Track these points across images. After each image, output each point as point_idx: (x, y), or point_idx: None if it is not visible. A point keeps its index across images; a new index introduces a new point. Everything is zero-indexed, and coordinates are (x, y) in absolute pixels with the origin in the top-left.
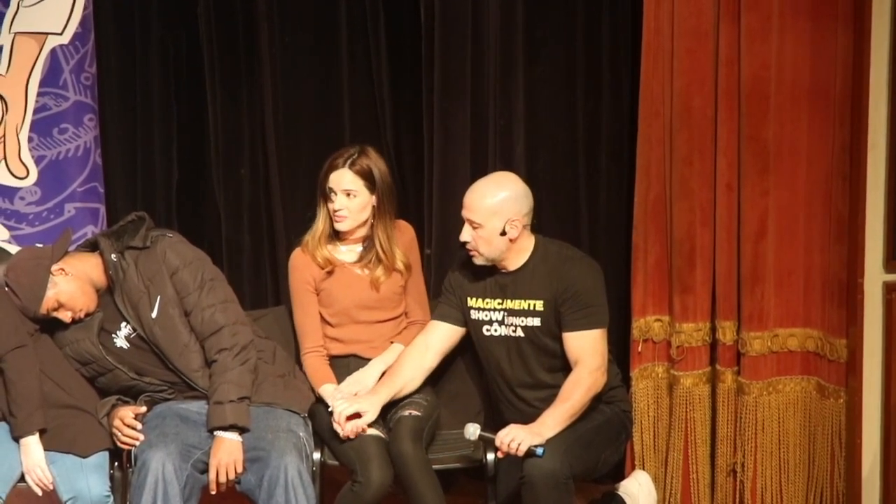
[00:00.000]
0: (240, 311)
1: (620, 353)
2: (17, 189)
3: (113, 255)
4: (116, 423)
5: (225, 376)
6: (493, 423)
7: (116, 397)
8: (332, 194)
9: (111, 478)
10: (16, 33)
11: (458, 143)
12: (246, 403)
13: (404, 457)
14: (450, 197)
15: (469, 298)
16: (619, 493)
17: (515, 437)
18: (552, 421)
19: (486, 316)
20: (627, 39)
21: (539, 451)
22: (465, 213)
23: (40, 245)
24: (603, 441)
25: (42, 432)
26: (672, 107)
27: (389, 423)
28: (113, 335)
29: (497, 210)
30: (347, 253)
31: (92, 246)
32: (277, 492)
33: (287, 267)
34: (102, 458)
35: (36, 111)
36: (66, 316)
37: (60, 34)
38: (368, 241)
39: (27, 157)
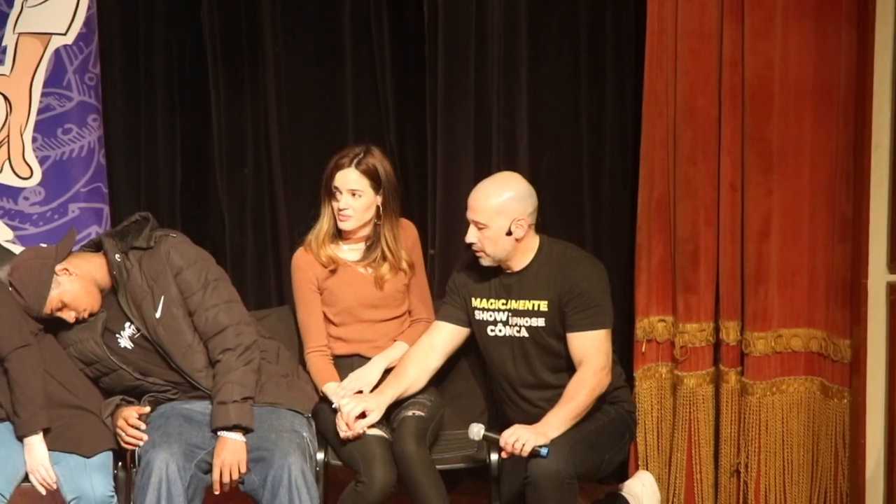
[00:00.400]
0: (243, 311)
1: (624, 354)
2: (22, 189)
3: (117, 256)
4: (120, 423)
5: (228, 376)
6: (498, 423)
7: (120, 397)
8: (338, 193)
9: (115, 478)
10: (20, 33)
11: (462, 143)
12: (249, 404)
13: (408, 457)
14: (454, 197)
15: (473, 299)
16: (623, 493)
17: (520, 438)
18: (556, 421)
19: (491, 316)
20: (631, 39)
21: (543, 451)
22: (471, 215)
23: (44, 245)
24: (607, 441)
25: (46, 432)
26: (676, 107)
27: (393, 424)
28: (117, 335)
29: (502, 210)
30: (350, 252)
31: (96, 246)
32: (281, 492)
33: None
34: (106, 458)
35: (40, 111)
36: (69, 316)
37: (64, 34)
38: (371, 240)
39: (31, 157)
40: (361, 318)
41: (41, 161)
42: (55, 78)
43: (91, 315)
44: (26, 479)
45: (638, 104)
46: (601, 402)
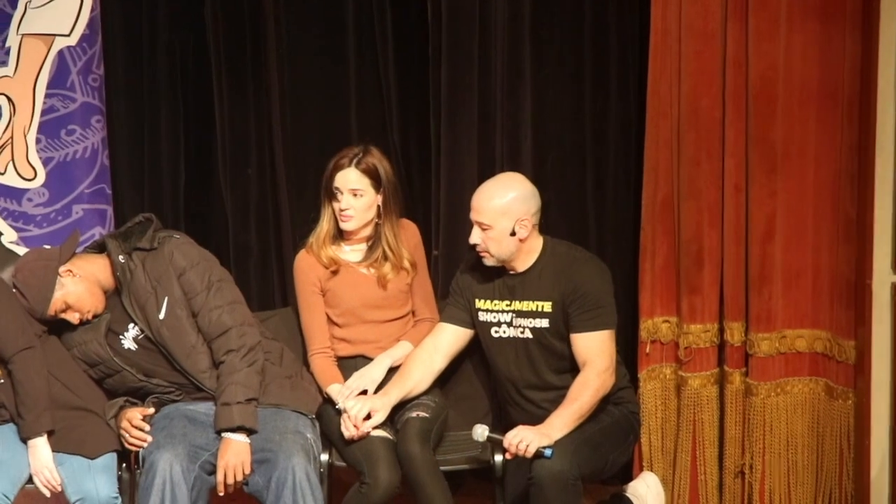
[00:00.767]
0: (247, 313)
1: (628, 355)
2: (25, 190)
3: (120, 257)
4: (124, 424)
5: (232, 378)
6: (502, 424)
7: (124, 399)
8: (339, 194)
9: (119, 479)
10: (23, 35)
11: (466, 143)
12: (253, 405)
13: (412, 458)
14: (457, 197)
15: (477, 300)
16: (628, 494)
17: (524, 439)
18: (560, 422)
19: (495, 318)
20: (635, 40)
21: (547, 452)
22: (474, 216)
23: (48, 247)
24: (611, 442)
25: (50, 434)
26: (680, 108)
27: (397, 425)
28: (120, 336)
29: (506, 210)
30: (352, 253)
31: (99, 247)
32: (285, 493)
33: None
34: (110, 459)
35: (43, 112)
36: (73, 317)
37: (68, 35)
38: (373, 241)
39: (35, 158)
40: (365, 319)
41: (45, 162)
42: (59, 79)
43: (95, 316)
44: (30, 480)
45: (642, 105)
46: (605, 402)
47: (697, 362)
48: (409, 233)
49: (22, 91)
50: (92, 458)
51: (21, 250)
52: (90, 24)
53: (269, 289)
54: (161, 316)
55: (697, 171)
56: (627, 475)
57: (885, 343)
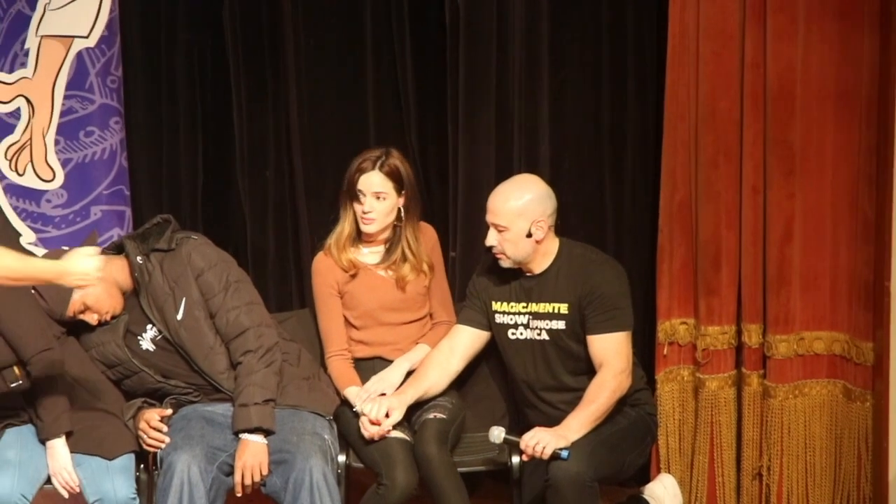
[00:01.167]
0: (265, 313)
1: (646, 356)
2: (44, 192)
3: (138, 258)
4: (142, 425)
5: (250, 378)
6: (518, 426)
7: (142, 400)
8: (361, 196)
9: (137, 480)
10: (42, 36)
11: (483, 145)
12: (271, 406)
13: (429, 459)
14: (475, 199)
15: (494, 302)
16: (645, 496)
17: (540, 440)
18: (577, 424)
19: (511, 320)
20: (653, 42)
21: (564, 453)
22: (490, 218)
23: (66, 248)
24: (628, 444)
25: (69, 435)
26: (697, 109)
27: (414, 426)
28: (139, 337)
29: (522, 212)
30: (370, 255)
31: (117, 248)
32: (303, 494)
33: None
34: (128, 460)
35: (62, 114)
36: (92, 318)
37: (87, 37)
38: (391, 243)
39: (53, 159)
40: (382, 322)
41: (63, 164)
42: (77, 80)
43: (113, 317)
44: (49, 481)
45: (659, 107)
46: (622, 404)
47: (715, 364)
48: (427, 235)
49: (41, 92)
50: (110, 459)
51: (39, 251)
52: (109, 26)
53: (287, 290)
54: (179, 317)
55: (715, 173)
56: (645, 477)
57: None
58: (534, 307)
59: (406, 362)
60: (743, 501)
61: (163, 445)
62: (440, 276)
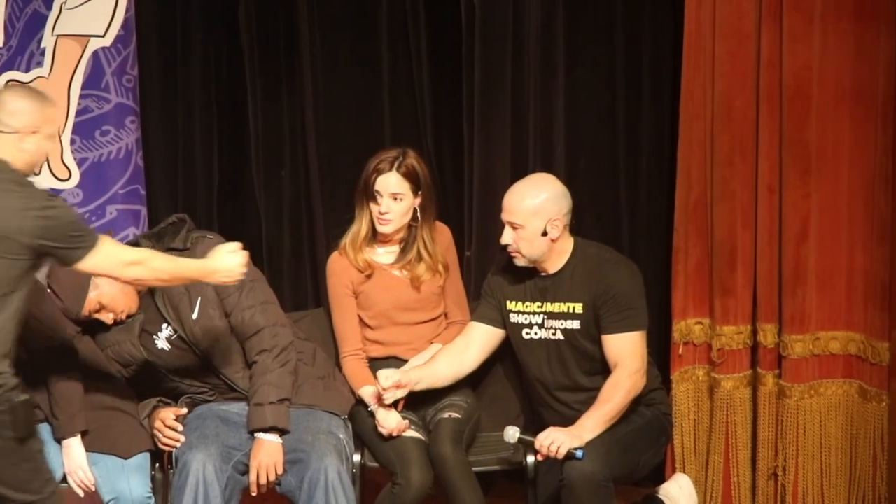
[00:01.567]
0: (280, 313)
1: (661, 356)
2: (60, 191)
3: None
4: (157, 424)
5: (265, 378)
6: (533, 425)
7: (157, 399)
8: (379, 197)
9: (152, 479)
10: (58, 36)
11: (499, 144)
12: (286, 405)
13: (444, 459)
14: (490, 198)
15: (508, 302)
16: (660, 496)
17: (555, 440)
18: (592, 423)
19: (526, 319)
20: (668, 41)
21: (579, 453)
22: (506, 216)
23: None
24: (643, 444)
25: (84, 434)
26: (713, 109)
27: (429, 426)
28: (154, 337)
29: (537, 210)
30: (385, 255)
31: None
32: (318, 493)
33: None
34: (144, 459)
35: (78, 113)
36: (107, 317)
37: (102, 36)
38: (406, 243)
39: (69, 159)
40: (397, 321)
41: (79, 163)
42: (93, 80)
43: (128, 317)
44: (64, 480)
45: (675, 106)
46: (636, 404)
47: (730, 364)
48: (442, 235)
49: (57, 92)
50: (125, 458)
51: None
52: (125, 25)
53: (302, 290)
54: (194, 316)
55: (731, 172)
56: (660, 477)
57: None
58: (548, 307)
59: (419, 361)
60: (758, 501)
61: (178, 444)
62: (455, 276)
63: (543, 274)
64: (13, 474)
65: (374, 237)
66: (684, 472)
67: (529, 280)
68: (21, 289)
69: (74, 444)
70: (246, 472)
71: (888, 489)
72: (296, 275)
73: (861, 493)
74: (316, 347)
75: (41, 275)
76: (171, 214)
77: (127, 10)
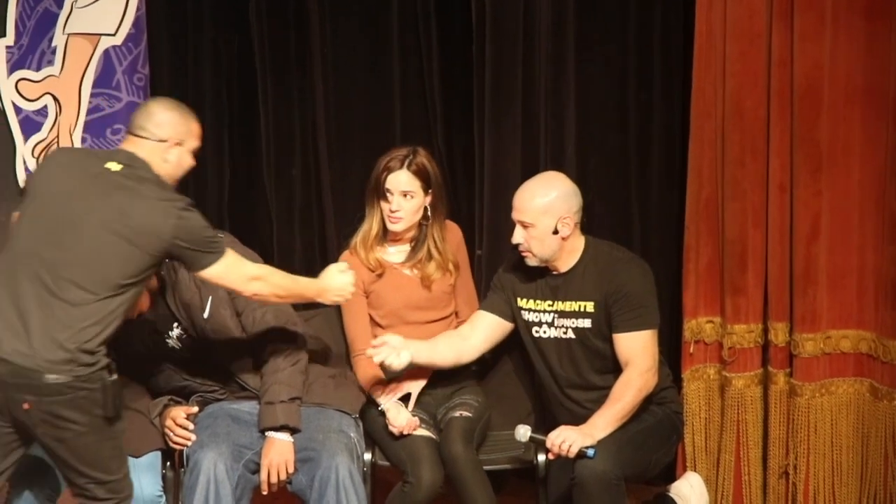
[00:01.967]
0: (291, 312)
1: (672, 355)
2: None
3: None
4: (168, 423)
5: (276, 377)
6: (544, 424)
7: (168, 397)
8: (389, 195)
9: (163, 478)
10: (69, 34)
11: (509, 143)
12: (297, 404)
13: (455, 458)
14: (500, 197)
15: (519, 299)
16: (671, 494)
17: (566, 439)
18: (603, 422)
19: (537, 317)
20: (679, 40)
21: (590, 452)
22: (516, 215)
23: None
24: (654, 442)
25: None
26: (724, 108)
27: (440, 424)
28: (165, 336)
29: (548, 209)
30: (396, 254)
31: None
32: (329, 492)
33: None
34: (155, 458)
35: (89, 112)
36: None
37: (113, 35)
38: (416, 241)
39: None
40: (408, 321)
41: None
42: (104, 78)
43: (139, 316)
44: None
45: (686, 105)
46: (648, 402)
47: (741, 363)
48: (452, 233)
49: (68, 90)
50: (136, 457)
51: None
52: (136, 24)
53: None
54: (205, 315)
55: (742, 172)
56: (671, 475)
57: None
58: (560, 305)
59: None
60: (769, 500)
61: (189, 443)
62: (466, 275)
63: (555, 272)
64: (96, 451)
65: (385, 236)
66: (695, 471)
67: (541, 278)
68: (139, 285)
69: None
70: (257, 471)
71: None
72: (306, 274)
73: (872, 491)
74: (327, 346)
75: None
76: None
77: (138, 9)
